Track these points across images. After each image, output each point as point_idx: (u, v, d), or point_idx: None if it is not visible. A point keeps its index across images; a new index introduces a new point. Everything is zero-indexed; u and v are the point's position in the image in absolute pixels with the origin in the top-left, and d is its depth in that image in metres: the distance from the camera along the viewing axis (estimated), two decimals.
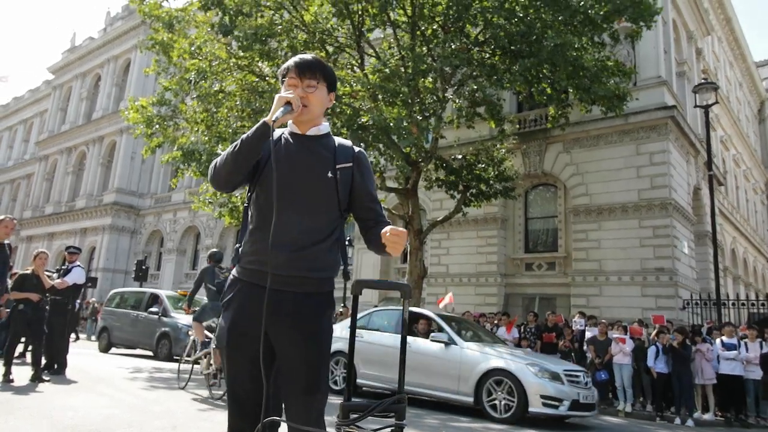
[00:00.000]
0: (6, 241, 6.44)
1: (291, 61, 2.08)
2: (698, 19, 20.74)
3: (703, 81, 13.20)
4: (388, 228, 1.92)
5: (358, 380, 8.64)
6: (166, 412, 5.70)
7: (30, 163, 45.19)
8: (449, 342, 8.04)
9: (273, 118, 1.91)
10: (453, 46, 12.88)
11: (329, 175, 2.00)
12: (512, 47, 12.70)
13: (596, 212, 15.63)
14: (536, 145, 17.16)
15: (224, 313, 2.07)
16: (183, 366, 8.06)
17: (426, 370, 7.99)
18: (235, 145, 1.97)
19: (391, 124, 11.59)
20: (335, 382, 8.83)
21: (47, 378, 7.21)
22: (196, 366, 7.81)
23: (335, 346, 8.22)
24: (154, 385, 8.11)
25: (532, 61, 12.01)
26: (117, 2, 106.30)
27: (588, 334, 10.72)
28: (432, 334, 8.25)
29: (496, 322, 12.10)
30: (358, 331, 8.50)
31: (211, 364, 7.28)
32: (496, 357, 7.71)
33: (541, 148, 17.13)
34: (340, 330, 8.88)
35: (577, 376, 7.66)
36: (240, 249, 2.07)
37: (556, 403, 7.15)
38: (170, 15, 13.71)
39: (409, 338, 8.15)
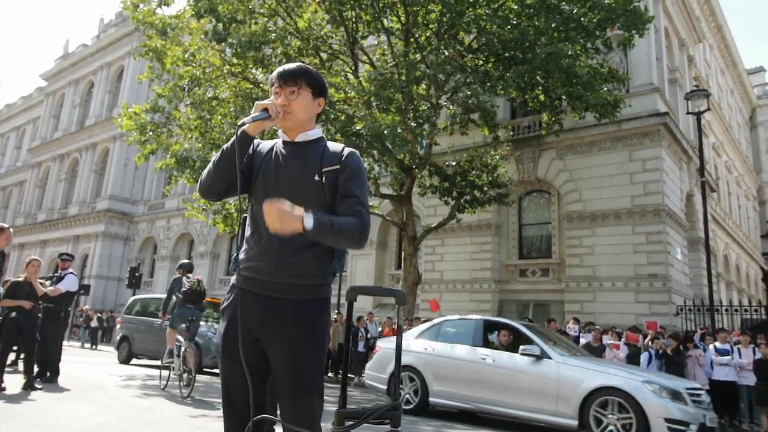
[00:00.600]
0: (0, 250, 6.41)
1: (275, 71, 2.09)
2: (690, 27, 20.96)
3: (695, 88, 13.32)
4: (272, 203, 1.81)
5: (431, 399, 8.03)
6: (160, 420, 5.66)
7: (22, 170, 44.94)
8: (541, 356, 7.23)
9: (243, 122, 1.94)
10: (446, 53, 12.96)
11: (316, 178, 1.99)
12: (506, 54, 12.80)
13: (590, 218, 15.70)
14: (530, 151, 17.24)
15: (221, 318, 2.09)
16: (164, 372, 8.49)
17: (512, 387, 7.30)
18: (216, 155, 2.01)
19: (385, 131, 11.61)
20: (407, 401, 8.13)
21: (40, 386, 7.14)
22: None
23: (405, 359, 8.04)
24: (148, 392, 8.04)
25: (525, 68, 12.09)
26: (110, 9, 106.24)
27: (582, 341, 10.73)
28: (522, 347, 7.41)
29: None
30: (428, 343, 8.41)
31: (184, 366, 7.73)
32: (602, 373, 6.83)
33: (535, 155, 17.20)
34: (410, 342, 8.50)
35: (699, 395, 6.83)
36: (236, 257, 2.09)
37: (683, 428, 6.24)
38: (164, 22, 13.71)
39: (489, 351, 7.83)
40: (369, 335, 13.74)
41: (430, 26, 13.61)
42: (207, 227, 27.40)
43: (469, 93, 13.12)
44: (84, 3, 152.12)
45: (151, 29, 13.74)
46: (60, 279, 8.11)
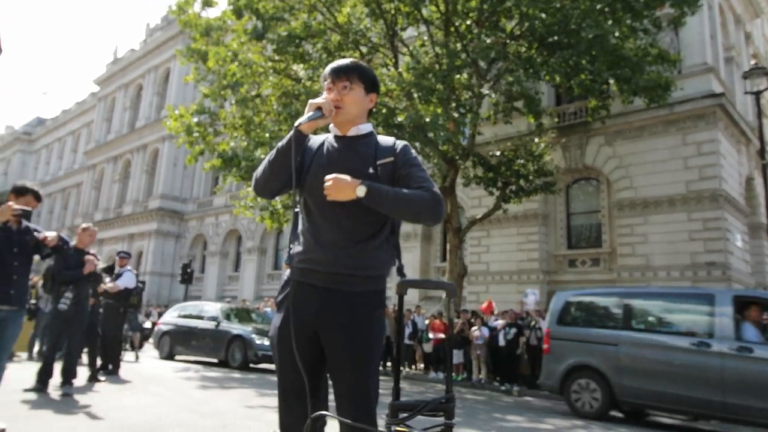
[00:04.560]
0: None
1: (328, 67, 2.11)
2: (746, 1, 19.89)
3: (753, 66, 12.64)
4: (332, 177, 1.88)
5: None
6: (216, 412, 5.81)
7: (79, 172, 46.99)
8: None
9: (299, 122, 1.96)
10: (488, 41, 12.75)
11: (370, 171, 2.00)
12: (549, 39, 12.47)
13: (642, 206, 15.18)
14: (576, 138, 16.79)
15: (277, 312, 2.11)
16: None
17: None
18: (271, 154, 2.05)
19: (427, 122, 11.54)
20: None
21: (103, 378, 7.48)
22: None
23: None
24: (204, 385, 8.29)
25: (570, 52, 11.77)
26: (156, 14, 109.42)
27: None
28: None
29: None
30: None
31: None
32: None
33: (582, 142, 16.75)
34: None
35: None
36: (291, 250, 2.12)
37: None
38: (207, 24, 14.02)
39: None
40: (416, 328, 13.77)
41: (470, 14, 13.41)
42: (254, 223, 27.94)
43: (512, 80, 12.85)
44: (132, 10, 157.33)
45: (196, 31, 14.07)
46: (118, 276, 8.46)
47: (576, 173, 17.24)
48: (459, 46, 12.79)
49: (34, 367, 8.65)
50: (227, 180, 15.57)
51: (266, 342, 10.88)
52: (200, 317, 12.79)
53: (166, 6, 14.18)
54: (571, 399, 7.57)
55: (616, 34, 11.59)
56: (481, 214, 14.94)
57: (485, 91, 13.69)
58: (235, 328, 11.93)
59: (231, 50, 13.88)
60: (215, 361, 12.36)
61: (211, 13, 14.60)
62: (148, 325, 16.87)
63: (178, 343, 12.85)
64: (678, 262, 14.33)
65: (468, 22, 13.52)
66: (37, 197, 4.53)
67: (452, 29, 13.33)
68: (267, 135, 13.89)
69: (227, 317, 12.53)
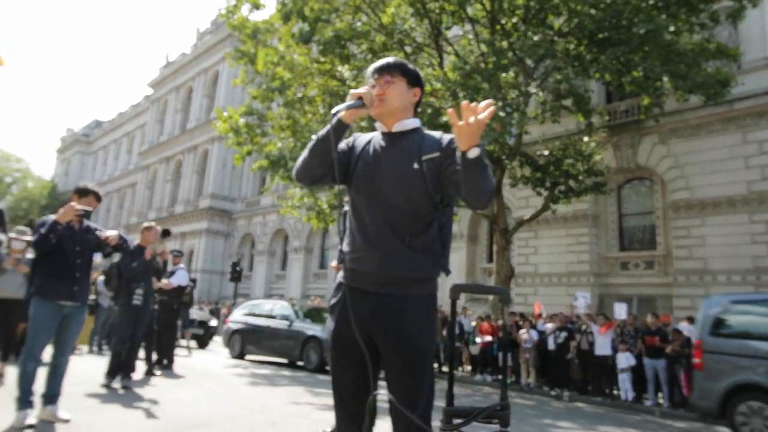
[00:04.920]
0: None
1: (370, 68, 2.14)
2: None
3: None
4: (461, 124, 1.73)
5: None
6: (265, 409, 5.93)
7: (134, 172, 48.88)
8: None
9: (336, 108, 1.97)
10: (535, 39, 12.51)
11: (415, 166, 1.98)
12: (599, 35, 12.13)
13: (699, 207, 14.58)
14: (628, 137, 16.28)
15: (330, 316, 2.11)
16: None
17: None
18: (311, 141, 2.07)
19: None
20: None
21: (158, 373, 7.75)
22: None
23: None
24: (254, 381, 8.47)
25: (621, 49, 11.41)
26: (206, 18, 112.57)
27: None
28: None
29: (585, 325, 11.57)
30: None
31: None
32: None
33: (634, 140, 16.23)
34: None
35: None
36: (341, 251, 2.12)
37: None
38: (255, 27, 14.32)
39: None
40: (463, 330, 13.66)
41: (517, 12, 13.20)
42: (301, 223, 28.37)
43: (560, 78, 12.56)
44: (184, 14, 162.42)
45: (244, 34, 14.39)
46: (172, 274, 8.75)
47: (628, 173, 16.71)
48: (505, 44, 12.60)
49: (95, 359, 9.06)
50: (274, 180, 15.81)
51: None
52: (271, 316, 12.48)
53: (216, 10, 14.52)
54: (736, 423, 6.53)
55: (671, 28, 11.14)
56: (528, 214, 14.69)
57: (532, 89, 13.42)
58: (310, 328, 11.45)
59: (278, 53, 14.13)
60: (285, 361, 12.18)
61: (259, 16, 14.87)
62: (214, 323, 16.78)
63: (249, 342, 12.52)
64: (739, 266, 13.68)
65: (514, 20, 13.32)
66: (98, 198, 4.70)
67: (498, 27, 13.15)
68: (313, 136, 14.05)
69: (300, 317, 12.14)
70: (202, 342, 15.67)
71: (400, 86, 2.09)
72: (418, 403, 1.94)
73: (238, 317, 13.42)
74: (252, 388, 7.64)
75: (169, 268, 8.91)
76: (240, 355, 12.62)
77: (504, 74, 12.58)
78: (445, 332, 12.31)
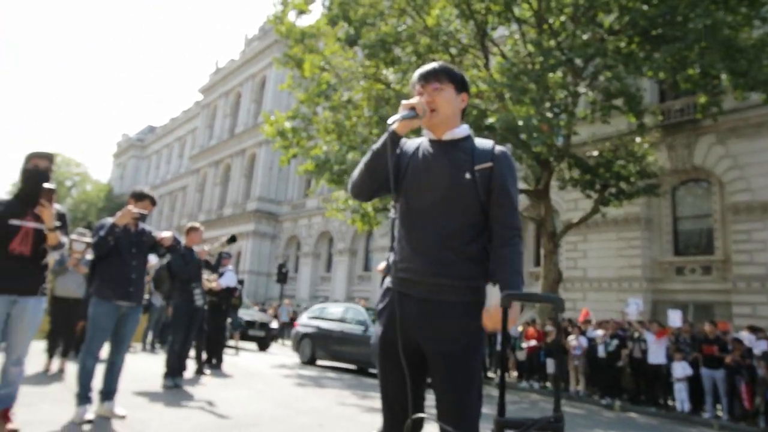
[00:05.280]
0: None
1: (416, 72, 2.11)
2: None
3: None
4: (488, 308, 1.92)
5: None
6: (312, 410, 5.97)
7: (184, 176, 50.46)
8: None
9: (392, 120, 1.95)
10: (584, 37, 12.20)
11: (467, 176, 1.97)
12: (653, 32, 11.72)
13: (761, 209, 13.86)
14: (684, 137, 15.66)
15: (377, 321, 2.11)
16: None
17: None
18: (367, 155, 2.05)
19: (520, 124, 11.23)
20: None
21: (208, 372, 7.94)
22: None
23: None
24: (301, 383, 8.56)
25: (676, 45, 10.98)
26: (254, 25, 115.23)
27: (756, 350, 9.48)
28: None
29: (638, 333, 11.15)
30: None
31: None
32: None
33: (690, 141, 15.60)
34: None
35: None
36: (390, 259, 2.12)
37: None
38: (302, 32, 14.54)
39: None
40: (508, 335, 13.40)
41: (565, 10, 12.90)
42: (345, 225, 28.58)
43: (610, 77, 12.20)
44: (233, 22, 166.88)
45: (292, 39, 14.63)
46: (221, 275, 8.94)
47: (683, 174, 16.07)
48: (553, 43, 12.34)
49: (148, 357, 9.36)
50: (319, 183, 15.99)
51: None
52: (343, 320, 11.95)
53: (264, 17, 14.85)
54: None
55: (730, 23, 10.64)
56: (577, 217, 14.33)
57: (581, 89, 13.10)
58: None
59: (324, 58, 14.29)
60: (353, 367, 11.86)
61: (306, 21, 15.11)
62: (275, 325, 16.40)
63: (320, 347, 12.00)
64: None
65: (562, 19, 13.03)
66: (153, 202, 4.86)
67: (545, 27, 12.89)
68: (358, 139, 14.16)
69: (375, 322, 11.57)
70: (263, 344, 15.40)
71: (449, 92, 2.06)
72: (466, 411, 1.93)
73: (307, 321, 12.95)
74: (298, 389, 7.72)
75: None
76: (311, 361, 12.14)
77: (552, 74, 12.33)
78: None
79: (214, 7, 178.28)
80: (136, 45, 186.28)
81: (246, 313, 14.89)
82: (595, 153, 13.90)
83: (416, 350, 1.97)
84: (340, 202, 15.99)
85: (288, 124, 15.48)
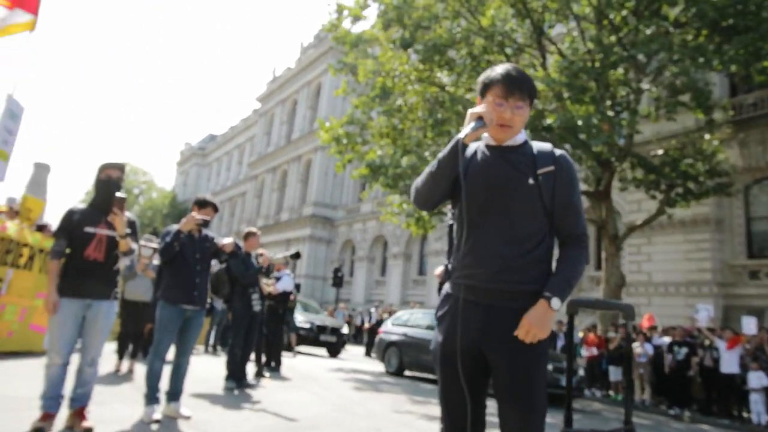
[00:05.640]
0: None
1: (497, 74, 2.00)
2: None
3: None
4: (524, 324, 1.86)
5: None
6: (369, 414, 5.98)
7: (243, 182, 52.01)
8: None
9: (463, 134, 1.90)
10: (648, 32, 11.71)
11: (530, 182, 1.93)
12: (723, 23, 11.11)
13: None
14: (758, 133, 14.79)
15: (437, 328, 2.09)
16: None
17: None
18: (432, 165, 2.02)
19: (579, 123, 10.90)
20: None
21: (267, 375, 8.10)
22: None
23: None
24: (357, 386, 8.60)
25: (750, 36, 10.36)
26: (309, 33, 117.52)
27: None
28: None
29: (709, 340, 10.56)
30: None
31: None
32: None
33: (765, 136, 14.74)
34: None
35: None
36: (448, 265, 2.10)
37: None
38: (357, 38, 14.69)
39: None
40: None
41: (626, 5, 12.42)
42: (400, 230, 28.64)
43: (677, 72, 11.64)
44: (289, 31, 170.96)
45: (347, 45, 14.81)
46: (278, 279, 9.11)
47: (757, 172, 15.15)
48: (614, 39, 11.92)
49: (210, 359, 9.66)
50: (373, 187, 16.08)
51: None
52: (431, 328, 11.04)
53: (319, 25, 15.13)
54: None
55: None
56: (641, 219, 13.77)
57: (645, 86, 12.58)
58: None
59: (379, 63, 14.38)
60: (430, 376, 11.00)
61: (360, 27, 15.30)
62: (346, 330, 15.70)
63: (409, 357, 11.28)
64: None
65: (623, 13, 12.55)
66: (215, 209, 4.99)
67: (605, 22, 12.47)
68: (413, 143, 14.14)
69: None
70: (334, 350, 14.90)
71: (527, 111, 2.02)
72: (531, 421, 1.88)
73: (393, 328, 12.29)
74: (355, 393, 7.76)
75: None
76: (399, 371, 11.46)
77: (613, 71, 11.90)
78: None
79: (270, 16, 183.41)
80: (197, 58, 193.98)
81: (316, 318, 14.83)
82: (660, 152, 13.31)
83: (478, 357, 1.94)
84: (394, 206, 16.01)
85: (343, 130, 15.67)
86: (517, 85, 1.98)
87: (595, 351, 12.18)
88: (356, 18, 14.73)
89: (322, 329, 14.43)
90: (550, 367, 8.20)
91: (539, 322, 1.82)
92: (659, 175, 12.74)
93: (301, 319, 14.07)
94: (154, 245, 7.04)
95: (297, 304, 14.52)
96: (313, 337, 14.14)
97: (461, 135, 1.91)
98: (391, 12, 13.86)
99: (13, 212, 7.68)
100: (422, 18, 13.64)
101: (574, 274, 1.91)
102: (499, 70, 2.03)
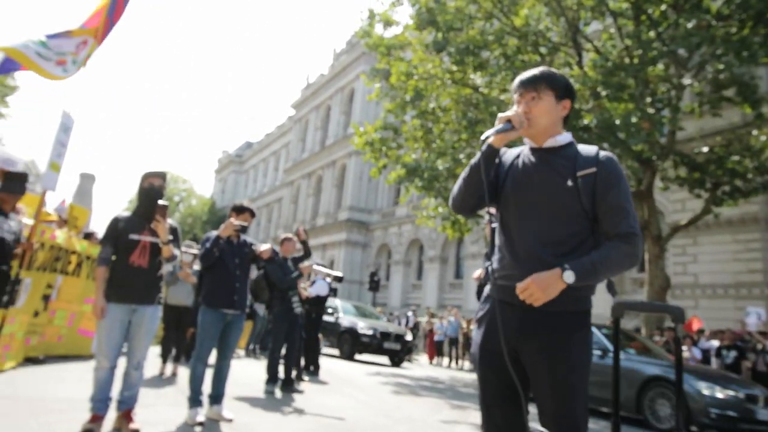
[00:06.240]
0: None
1: (516, 80, 2.08)
2: None
3: None
4: (527, 281, 1.81)
5: None
6: (408, 419, 5.96)
7: (279, 188, 52.77)
8: None
9: (486, 134, 1.93)
10: (689, 26, 11.36)
11: (569, 184, 1.91)
12: None
13: None
14: None
15: (476, 329, 2.09)
16: None
17: None
18: (465, 171, 2.04)
19: (617, 122, 10.64)
20: None
21: (306, 378, 8.18)
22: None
23: None
24: (396, 390, 8.60)
25: None
26: (341, 39, 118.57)
27: None
28: None
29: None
30: None
31: None
32: None
33: None
34: None
35: None
36: (489, 267, 2.10)
37: None
38: (389, 43, 14.75)
39: None
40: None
41: None
42: (436, 233, 28.52)
43: (720, 67, 11.24)
44: (322, 37, 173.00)
45: (379, 52, 14.88)
46: (313, 283, 9.19)
47: None
48: (653, 34, 11.60)
49: (251, 363, 9.80)
50: (409, 192, 16.07)
51: (718, 394, 7.13)
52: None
53: (351, 31, 15.28)
54: None
55: None
56: (685, 219, 13.32)
57: (686, 81, 12.18)
58: (649, 363, 7.78)
59: (411, 65, 14.38)
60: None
61: (392, 32, 15.34)
62: (409, 337, 14.93)
63: None
64: None
65: (662, 8, 12.20)
66: (252, 214, 5.08)
67: (644, 18, 12.15)
68: (447, 146, 14.08)
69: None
70: (397, 359, 14.19)
71: (547, 101, 2.01)
72: (572, 426, 1.85)
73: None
74: (394, 397, 7.75)
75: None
76: None
77: (652, 68, 11.58)
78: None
79: (303, 25, 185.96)
80: (233, 68, 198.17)
81: (379, 324, 14.22)
82: (705, 149, 12.86)
83: (516, 359, 1.92)
84: (430, 210, 15.96)
85: (377, 135, 15.72)
86: (529, 81, 2.03)
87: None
88: (387, 23, 14.79)
89: (385, 336, 13.71)
90: (741, 395, 7.06)
91: (542, 284, 1.79)
92: (704, 173, 12.31)
93: (362, 325, 13.70)
94: (194, 251, 7.20)
95: (354, 309, 14.70)
96: (376, 344, 13.47)
97: (484, 135, 1.94)
98: (424, 14, 13.85)
99: (61, 221, 7.95)
100: (455, 20, 13.58)
101: (602, 260, 1.83)
102: (520, 75, 2.10)
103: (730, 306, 14.62)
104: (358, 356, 14.11)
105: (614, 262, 1.85)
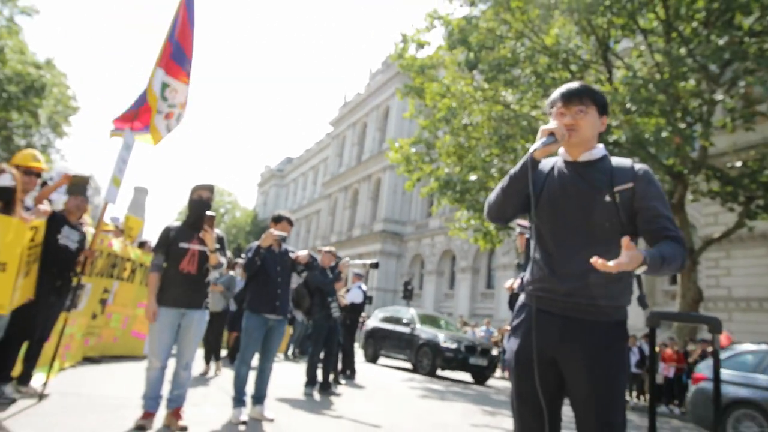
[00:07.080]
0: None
1: (557, 92, 2.05)
2: None
3: None
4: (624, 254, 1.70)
5: None
6: (441, 424, 6.10)
7: (318, 201, 53.86)
8: None
9: (533, 149, 1.91)
10: (720, 42, 11.41)
11: (607, 199, 1.91)
12: None
13: None
14: None
15: (512, 337, 2.07)
16: None
17: None
18: (504, 180, 2.03)
19: (648, 137, 10.77)
20: None
21: (343, 382, 8.50)
22: None
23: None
24: (426, 395, 8.81)
25: None
26: (377, 59, 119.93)
27: None
28: None
29: None
30: None
31: None
32: None
33: None
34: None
35: None
36: (525, 278, 2.11)
37: None
38: (422, 63, 15.25)
39: None
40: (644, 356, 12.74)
41: (696, 16, 12.15)
42: (468, 244, 28.71)
43: (752, 81, 11.24)
44: (359, 59, 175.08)
45: (413, 72, 15.39)
46: (348, 291, 9.60)
47: None
48: (683, 51, 11.69)
49: (291, 366, 10.19)
50: (441, 203, 16.41)
51: None
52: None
53: (387, 52, 15.87)
54: None
55: None
56: (717, 232, 13.25)
57: (718, 96, 12.21)
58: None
59: (444, 85, 14.80)
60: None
61: (425, 52, 15.86)
62: (495, 352, 13.21)
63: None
64: None
65: (693, 25, 12.28)
66: (290, 223, 5.28)
67: (674, 35, 12.25)
68: (479, 160, 14.41)
69: None
70: (481, 376, 12.69)
71: (592, 116, 2.00)
72: None
73: None
74: (426, 402, 7.95)
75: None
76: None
77: (684, 83, 11.66)
78: None
79: (340, 47, 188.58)
80: (274, 89, 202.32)
81: (460, 337, 12.75)
82: (738, 163, 12.80)
83: (552, 368, 1.92)
84: (462, 222, 16.24)
85: (412, 150, 16.20)
86: (575, 94, 2.01)
87: (672, 371, 11.83)
88: (420, 46, 15.30)
89: (471, 350, 12.13)
90: None
91: (633, 259, 1.69)
92: (737, 186, 12.26)
93: (444, 337, 12.18)
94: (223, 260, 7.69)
95: (423, 318, 13.76)
96: (461, 359, 11.93)
97: (532, 149, 1.93)
98: (456, 34, 14.28)
99: (118, 230, 8.49)
100: (486, 39, 13.94)
101: (669, 255, 1.78)
102: (561, 88, 2.08)
103: (765, 320, 14.36)
104: (440, 372, 12.55)
105: (676, 259, 1.80)
